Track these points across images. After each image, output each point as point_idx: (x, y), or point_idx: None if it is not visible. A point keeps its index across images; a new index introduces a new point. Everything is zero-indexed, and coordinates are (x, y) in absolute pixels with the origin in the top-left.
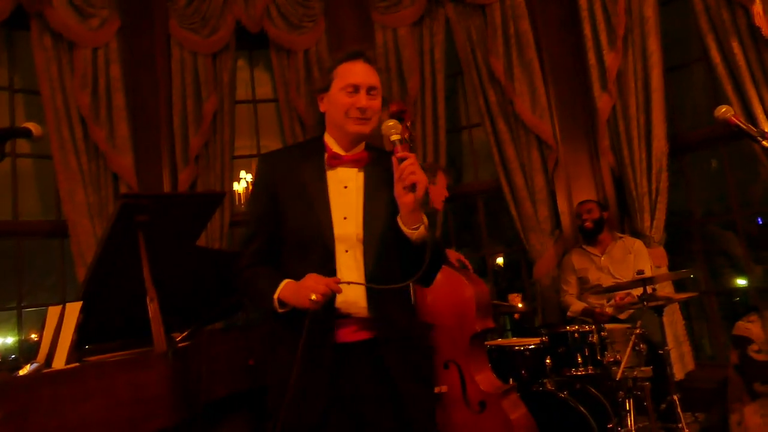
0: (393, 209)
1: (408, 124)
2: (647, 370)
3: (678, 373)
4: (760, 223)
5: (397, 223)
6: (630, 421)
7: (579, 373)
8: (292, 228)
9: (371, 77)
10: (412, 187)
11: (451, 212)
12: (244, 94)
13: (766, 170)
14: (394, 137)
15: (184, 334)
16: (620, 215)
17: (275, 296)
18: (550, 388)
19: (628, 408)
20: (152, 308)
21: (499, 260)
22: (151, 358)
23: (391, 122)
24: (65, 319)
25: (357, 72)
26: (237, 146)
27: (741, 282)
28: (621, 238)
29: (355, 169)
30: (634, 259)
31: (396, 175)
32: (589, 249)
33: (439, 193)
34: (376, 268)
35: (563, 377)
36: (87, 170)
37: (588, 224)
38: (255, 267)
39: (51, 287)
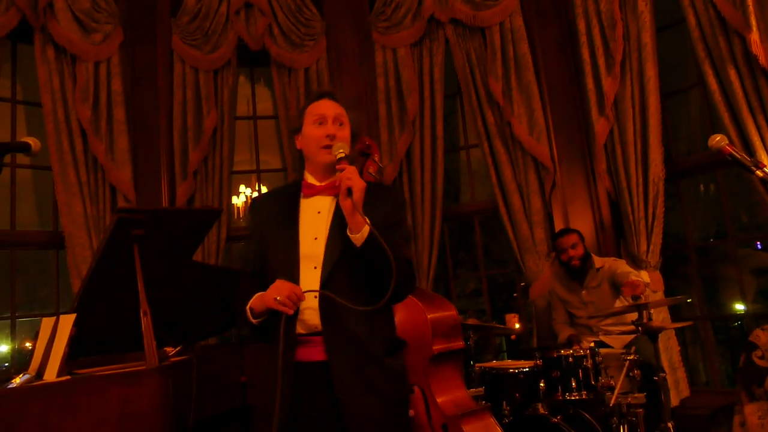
0: None
1: (376, 158)
2: (641, 397)
3: (673, 400)
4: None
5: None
6: None
7: (572, 398)
8: (272, 257)
9: (337, 109)
10: (348, 192)
11: (448, 232)
12: (245, 110)
13: (763, 198)
14: (339, 154)
15: (177, 349)
16: (616, 239)
17: (247, 307)
18: (543, 412)
19: None
20: (145, 322)
21: None
22: (142, 373)
23: (339, 143)
24: (58, 331)
25: (323, 105)
26: (236, 161)
27: (739, 307)
28: (598, 269)
29: (330, 197)
30: (609, 287)
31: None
32: (572, 283)
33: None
34: (329, 282)
35: (556, 401)
36: (85, 182)
37: (575, 263)
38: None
39: (45, 298)
